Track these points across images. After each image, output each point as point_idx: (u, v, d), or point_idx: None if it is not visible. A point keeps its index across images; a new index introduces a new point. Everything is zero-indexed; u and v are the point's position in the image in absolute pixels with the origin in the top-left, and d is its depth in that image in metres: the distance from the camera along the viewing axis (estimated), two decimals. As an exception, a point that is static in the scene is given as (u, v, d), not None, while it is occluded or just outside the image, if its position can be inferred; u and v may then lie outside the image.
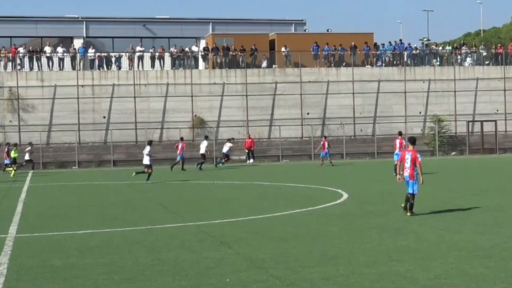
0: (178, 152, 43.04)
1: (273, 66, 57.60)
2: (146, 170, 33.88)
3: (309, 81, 56.61)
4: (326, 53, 58.36)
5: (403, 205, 18.69)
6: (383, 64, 59.62)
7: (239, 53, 57.15)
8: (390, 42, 61.48)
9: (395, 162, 29.03)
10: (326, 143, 45.04)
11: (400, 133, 36.90)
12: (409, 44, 61.55)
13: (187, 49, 57.59)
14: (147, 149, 34.44)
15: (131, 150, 52.26)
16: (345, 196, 24.28)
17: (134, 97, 54.07)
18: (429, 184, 29.10)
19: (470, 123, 57.40)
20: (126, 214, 21.06)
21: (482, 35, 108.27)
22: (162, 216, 20.08)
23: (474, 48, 64.34)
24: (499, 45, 66.22)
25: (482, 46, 66.21)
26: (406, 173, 18.46)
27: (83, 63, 55.70)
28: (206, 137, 45.94)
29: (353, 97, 56.62)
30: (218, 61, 57.34)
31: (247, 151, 49.86)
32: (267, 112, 56.13)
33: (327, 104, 56.79)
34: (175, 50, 57.15)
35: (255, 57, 57.48)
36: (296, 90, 56.18)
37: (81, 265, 12.56)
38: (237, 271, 11.66)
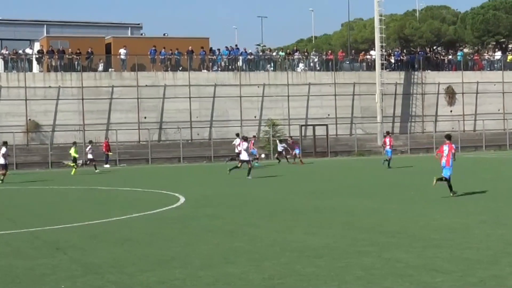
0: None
1: (110, 69, 56.89)
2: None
3: (146, 85, 56.32)
4: (163, 57, 58.27)
5: (434, 181, 23.27)
6: (219, 69, 60.22)
7: (75, 56, 56.00)
8: (226, 47, 62.23)
9: (388, 157, 39.37)
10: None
11: (388, 133, 43.62)
12: (244, 49, 62.51)
13: (20, 51, 55.87)
14: (3, 150, 34.03)
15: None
16: (182, 199, 24.37)
17: (-36, 100, 51.95)
18: (265, 187, 29.77)
19: (303, 127, 58.98)
20: (-45, 221, 20.20)
21: (314, 41, 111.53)
22: (-6, 223, 19.43)
23: (306, 54, 66.21)
24: (329, 51, 68.54)
25: (314, 52, 68.28)
26: (444, 160, 23.08)
27: None
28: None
29: (190, 101, 56.83)
30: (53, 64, 55.97)
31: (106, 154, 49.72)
32: (103, 116, 55.35)
33: (164, 108, 56.70)
34: (7, 52, 55.31)
35: (91, 61, 56.51)
36: (133, 94, 55.74)
37: None
38: (73, 277, 11.48)
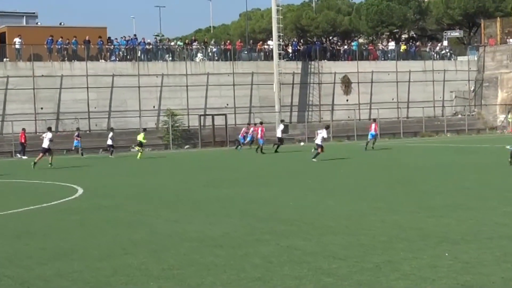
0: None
1: (4, 59, 55.37)
2: None
3: (42, 75, 55.08)
4: (60, 46, 57.12)
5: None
6: (117, 59, 59.51)
7: (-34, 45, 54.25)
8: (123, 37, 61.53)
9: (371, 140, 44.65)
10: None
11: (374, 120, 48.60)
12: (143, 39, 62.00)
13: None
14: (49, 135, 35.59)
15: None
16: (80, 191, 24.01)
17: None
18: (165, 177, 29.67)
19: (202, 117, 58.96)
20: None
21: (212, 31, 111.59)
22: None
23: (205, 44, 66.17)
24: (228, 41, 68.69)
25: (212, 42, 68.27)
26: None
27: None
28: (282, 121, 47.64)
29: (88, 92, 55.94)
30: None
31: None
32: (-2, 107, 53.91)
33: (61, 99, 55.59)
34: None
35: (-16, 50, 54.90)
36: (29, 84, 54.40)
37: None
38: (-33, 273, 11.17)
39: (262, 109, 61.73)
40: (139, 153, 44.15)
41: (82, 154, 47.93)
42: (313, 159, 35.61)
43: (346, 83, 66.10)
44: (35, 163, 36.71)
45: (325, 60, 66.16)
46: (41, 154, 37.59)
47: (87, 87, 55.93)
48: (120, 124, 55.70)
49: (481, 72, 70.80)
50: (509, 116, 66.59)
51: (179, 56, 62.35)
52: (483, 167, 29.73)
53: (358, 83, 65.94)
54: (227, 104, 60.80)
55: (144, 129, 48.42)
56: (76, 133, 48.94)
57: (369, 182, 24.50)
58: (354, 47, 69.40)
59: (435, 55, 72.50)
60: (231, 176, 29.05)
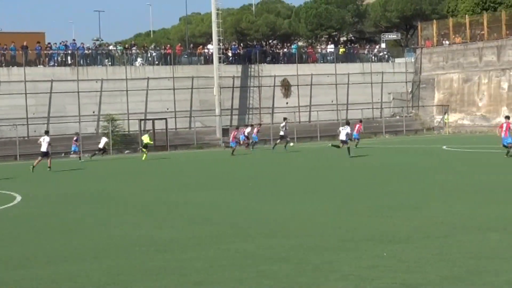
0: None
1: None
2: None
3: (-21, 81, 54.11)
4: (-3, 52, 56.21)
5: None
6: (56, 64, 58.78)
7: None
8: (62, 42, 60.82)
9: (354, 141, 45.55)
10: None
11: (360, 120, 51.11)
12: (82, 44, 61.36)
13: None
14: (47, 138, 36.27)
15: None
16: (19, 198, 23.61)
17: None
18: (107, 182, 29.44)
19: (142, 122, 58.59)
20: None
21: (152, 35, 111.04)
22: None
23: (144, 48, 65.80)
24: (168, 45, 68.46)
25: (152, 46, 67.97)
26: (503, 134, 32.30)
27: None
28: (285, 119, 48.80)
29: (26, 98, 55.13)
30: None
31: None
32: None
33: (-1, 105, 54.71)
34: None
35: None
36: (-36, 90, 53.37)
37: None
38: None
39: (202, 113, 61.66)
40: (144, 155, 44.86)
41: (80, 158, 47.93)
42: (351, 155, 37.35)
43: (286, 86, 66.44)
44: (33, 166, 36.71)
45: (265, 64, 66.39)
46: (40, 158, 37.79)
47: (25, 93, 55.10)
48: (60, 130, 54.95)
49: (418, 73, 71.91)
50: (446, 117, 67.74)
51: (119, 61, 61.89)
52: (421, 167, 30.20)
53: (298, 85, 66.33)
54: (168, 108, 60.54)
55: (147, 131, 49.73)
56: (75, 138, 49.28)
57: (313, 183, 24.69)
58: (293, 50, 69.82)
59: (373, 58, 73.35)
60: (178, 181, 28.98)
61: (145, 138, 46.42)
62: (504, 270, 10.07)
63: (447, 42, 70.56)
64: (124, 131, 57.44)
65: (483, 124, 65.38)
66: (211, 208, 19.02)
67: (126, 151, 56.12)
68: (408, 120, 69.20)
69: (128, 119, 58.03)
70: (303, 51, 72.93)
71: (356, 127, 48.62)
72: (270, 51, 70.71)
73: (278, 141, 47.84)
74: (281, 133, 48.14)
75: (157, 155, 50.36)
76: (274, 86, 65.83)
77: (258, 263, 11.34)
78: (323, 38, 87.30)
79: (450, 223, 14.41)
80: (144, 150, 45.80)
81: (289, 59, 68.66)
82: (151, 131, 51.57)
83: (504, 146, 32.83)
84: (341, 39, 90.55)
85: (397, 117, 70.34)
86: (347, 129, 38.73)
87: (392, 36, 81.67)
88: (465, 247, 11.88)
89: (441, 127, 68.57)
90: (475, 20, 69.28)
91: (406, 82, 72.02)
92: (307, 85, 66.95)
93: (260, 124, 55.26)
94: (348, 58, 71.84)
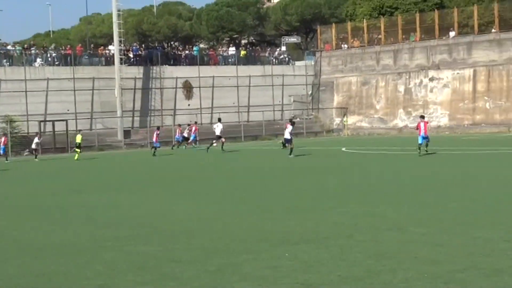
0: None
1: None
2: None
3: None
4: None
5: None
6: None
7: None
8: (-43, 41, 58.92)
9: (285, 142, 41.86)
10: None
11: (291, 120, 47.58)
12: (-23, 43, 59.62)
13: None
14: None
15: None
16: None
17: None
18: (5, 185, 28.66)
19: (42, 123, 57.34)
20: None
21: (51, 36, 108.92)
22: None
23: (44, 48, 64.42)
24: (68, 46, 67.25)
25: (52, 47, 66.60)
26: (422, 132, 34.48)
27: None
28: (291, 120, 45.50)
29: None
30: None
31: None
32: None
33: None
34: None
35: None
36: None
37: None
38: None
39: (103, 114, 60.83)
40: (77, 154, 45.31)
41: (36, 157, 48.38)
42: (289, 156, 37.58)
43: (188, 88, 66.29)
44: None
45: (167, 65, 66.03)
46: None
47: None
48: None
49: (317, 76, 72.96)
50: (345, 119, 68.93)
51: (18, 61, 60.36)
52: (321, 169, 30.62)
53: (200, 87, 66.28)
54: (68, 110, 59.45)
55: (79, 131, 49.56)
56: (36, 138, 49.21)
57: (216, 185, 24.69)
58: (195, 52, 69.73)
59: (274, 60, 74.00)
60: (76, 183, 28.48)
61: (78, 138, 46.71)
62: (401, 269, 10.28)
63: (345, 46, 71.86)
64: (24, 133, 56.06)
65: (381, 126, 66.92)
66: (113, 210, 18.77)
67: (25, 153, 54.78)
68: (308, 122, 70.08)
69: (28, 121, 56.70)
70: (205, 53, 72.93)
71: (421, 126, 48.14)
72: (172, 53, 70.41)
73: (286, 144, 44.04)
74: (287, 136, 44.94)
75: (56, 157, 49.48)
76: (176, 88, 65.56)
77: (161, 265, 11.25)
78: (224, 41, 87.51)
79: (349, 224, 14.64)
80: (77, 150, 46.05)
81: (191, 61, 68.54)
82: (82, 130, 51.47)
83: (421, 144, 34.69)
84: (242, 41, 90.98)
85: (298, 119, 71.12)
86: (290, 128, 39.46)
87: (292, 39, 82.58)
88: (364, 247, 12.07)
89: (340, 129, 69.76)
90: (373, 25, 70.86)
91: (306, 85, 72.98)
92: (209, 87, 66.97)
93: (196, 122, 56.18)
94: (249, 60, 72.25)
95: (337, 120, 70.81)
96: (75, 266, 11.43)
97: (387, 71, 67.76)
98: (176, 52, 71.56)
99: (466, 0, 68.16)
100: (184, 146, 54.45)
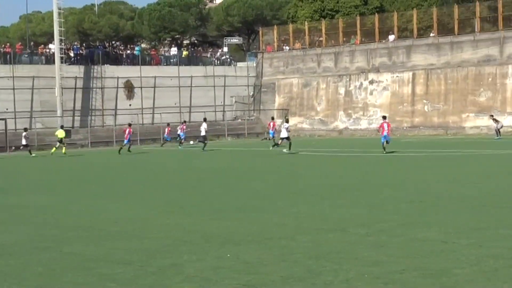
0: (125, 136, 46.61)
1: None
2: None
3: None
4: None
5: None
6: None
7: None
8: None
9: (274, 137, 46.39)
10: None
11: (272, 118, 53.20)
12: None
13: None
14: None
15: None
16: None
17: None
18: None
19: (-20, 122, 56.21)
20: None
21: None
22: None
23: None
24: (7, 44, 66.12)
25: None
26: (385, 132, 36.26)
27: None
28: (205, 120, 49.74)
29: None
30: None
31: None
32: None
33: None
34: None
35: None
36: None
37: None
38: None
39: (43, 114, 59.94)
40: (63, 148, 46.38)
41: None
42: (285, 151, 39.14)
43: (129, 88, 65.77)
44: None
45: (108, 65, 65.38)
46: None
47: None
48: None
49: (259, 78, 73.16)
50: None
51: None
52: (264, 170, 30.70)
53: (141, 87, 65.83)
54: (7, 109, 58.42)
55: (62, 126, 50.37)
56: (24, 133, 49.14)
57: (159, 185, 24.55)
58: (136, 52, 69.27)
59: (216, 61, 73.94)
60: (14, 183, 28.01)
61: (60, 133, 47.39)
62: (342, 270, 10.34)
63: (287, 48, 72.20)
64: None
65: (322, 128, 67.41)
66: (51, 211, 18.46)
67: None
68: (250, 123, 70.17)
69: (-35, 119, 55.56)
70: (147, 53, 72.59)
71: (271, 125, 50.07)
72: (113, 53, 69.83)
73: (280, 141, 42.82)
74: (284, 134, 42.59)
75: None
76: (117, 87, 64.97)
77: (100, 266, 11.10)
78: (166, 41, 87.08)
79: (292, 225, 14.66)
80: (60, 144, 46.76)
81: (132, 61, 68.06)
82: (64, 126, 51.74)
83: (383, 144, 36.59)
84: (184, 42, 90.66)
85: (239, 120, 71.21)
86: (286, 125, 40.91)
87: (234, 40, 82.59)
88: (306, 248, 12.09)
89: (281, 130, 69.83)
90: (314, 27, 71.36)
91: (248, 86, 73.11)
92: (150, 87, 66.56)
93: (185, 122, 56.40)
94: (191, 61, 72.09)
95: (278, 122, 70.98)
96: (13, 268, 11.21)
97: (328, 73, 68.29)
98: (117, 51, 71.02)
99: (406, 4, 69.16)
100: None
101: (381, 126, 37.69)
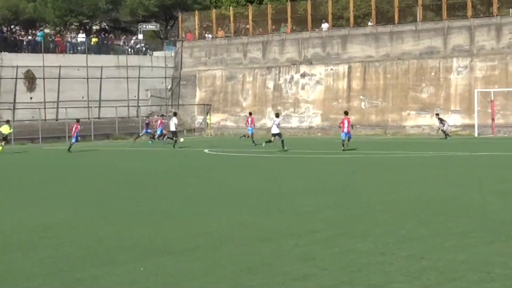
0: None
1: None
2: None
3: None
4: None
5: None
6: None
7: None
8: None
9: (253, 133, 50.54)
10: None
11: (250, 113, 55.22)
12: None
13: None
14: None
15: None
16: None
17: None
18: None
19: None
20: None
21: None
22: None
23: None
24: None
25: None
26: (345, 129, 39.00)
27: None
28: (175, 114, 51.75)
29: None
30: None
31: None
32: None
33: None
34: None
35: None
36: None
37: None
38: None
39: None
40: (0, 147, 44.83)
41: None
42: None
43: (30, 79, 65.04)
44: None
45: (6, 52, 64.54)
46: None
47: None
48: None
49: (178, 69, 73.23)
50: (208, 117, 69.38)
51: None
52: (185, 173, 31.00)
53: (44, 78, 65.12)
54: None
55: (7, 121, 48.87)
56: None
57: (85, 188, 24.65)
58: (39, 38, 68.51)
59: (129, 50, 73.75)
60: None
61: (5, 129, 46.00)
62: (272, 284, 10.66)
63: (210, 36, 72.45)
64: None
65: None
66: None
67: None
68: (167, 120, 70.14)
69: None
70: (51, 39, 71.81)
71: (249, 120, 52.21)
72: (12, 38, 68.96)
73: (272, 138, 44.01)
74: (274, 131, 43.83)
75: None
76: (16, 78, 64.14)
77: (12, 277, 11.32)
78: (73, 26, 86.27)
79: (221, 234, 15.01)
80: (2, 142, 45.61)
81: (34, 48, 67.31)
82: (10, 120, 51.12)
83: (343, 141, 39.53)
84: (94, 27, 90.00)
85: (155, 116, 71.13)
86: (277, 121, 43.05)
87: (151, 26, 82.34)
88: (235, 260, 12.38)
89: (203, 128, 70.26)
90: (240, 13, 71.81)
91: (165, 78, 73.11)
92: (54, 78, 65.86)
93: (163, 116, 59.31)
94: (101, 49, 71.75)
95: (199, 119, 71.35)
96: None
97: (255, 65, 68.77)
98: (17, 37, 70.15)
99: (341, -11, 70.10)
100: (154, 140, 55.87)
101: (342, 122, 40.45)
